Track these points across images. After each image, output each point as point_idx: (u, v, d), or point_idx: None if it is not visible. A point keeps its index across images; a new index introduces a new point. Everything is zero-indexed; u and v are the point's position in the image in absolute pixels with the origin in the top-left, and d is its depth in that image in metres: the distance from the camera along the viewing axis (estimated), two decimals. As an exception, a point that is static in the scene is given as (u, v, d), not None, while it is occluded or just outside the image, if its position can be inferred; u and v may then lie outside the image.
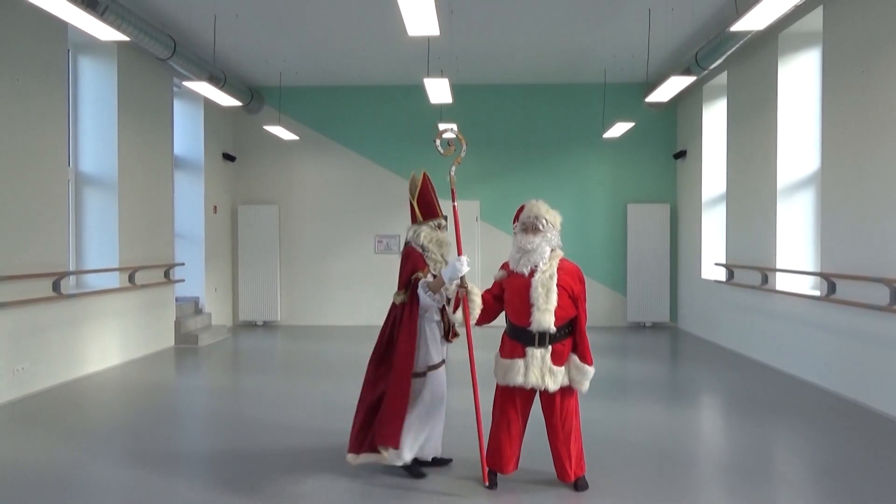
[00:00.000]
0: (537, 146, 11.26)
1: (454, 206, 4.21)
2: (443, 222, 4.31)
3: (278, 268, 11.45)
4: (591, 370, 3.88)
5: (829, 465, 4.46)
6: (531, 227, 3.95)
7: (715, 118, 10.00)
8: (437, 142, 4.17)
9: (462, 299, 3.93)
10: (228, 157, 11.17)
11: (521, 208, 4.10)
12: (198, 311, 10.21)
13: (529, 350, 3.81)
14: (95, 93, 7.98)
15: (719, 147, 9.76)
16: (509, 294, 3.95)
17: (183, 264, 9.66)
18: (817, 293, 6.91)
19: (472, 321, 3.94)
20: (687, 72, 7.98)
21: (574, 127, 11.27)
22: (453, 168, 4.23)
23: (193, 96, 10.08)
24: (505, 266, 4.07)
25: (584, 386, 3.88)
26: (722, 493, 3.95)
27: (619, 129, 9.84)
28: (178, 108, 10.04)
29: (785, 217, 7.71)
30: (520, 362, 3.83)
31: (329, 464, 4.39)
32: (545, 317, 3.76)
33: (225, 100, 8.47)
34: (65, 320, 6.99)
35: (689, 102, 10.71)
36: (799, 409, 5.95)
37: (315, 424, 5.37)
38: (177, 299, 9.58)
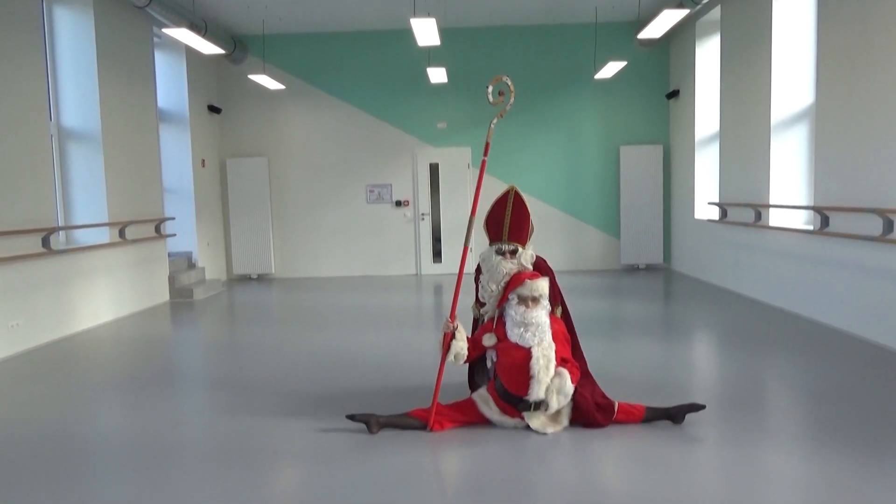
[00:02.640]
0: (528, 89, 11.02)
1: (483, 160, 4.04)
2: (504, 247, 4.05)
3: (270, 220, 11.38)
4: (569, 383, 3.80)
5: (823, 393, 4.52)
6: (532, 301, 3.81)
7: (708, 55, 9.82)
8: (490, 88, 3.96)
9: (446, 337, 3.90)
10: (214, 110, 10.95)
11: (516, 279, 3.92)
12: (191, 265, 10.16)
13: (526, 415, 3.84)
14: (73, 45, 7.72)
15: (713, 85, 9.61)
16: (505, 362, 3.84)
17: (173, 218, 9.57)
18: (810, 227, 6.91)
19: (459, 361, 3.93)
20: (680, 6, 7.79)
21: (565, 69, 11.06)
22: (495, 120, 4.07)
23: (175, 47, 9.82)
24: (492, 330, 3.94)
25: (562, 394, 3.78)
26: (716, 421, 4.01)
27: (610, 70, 9.68)
28: (160, 59, 9.78)
29: (778, 153, 7.64)
30: (510, 421, 3.88)
31: (330, 412, 4.40)
32: (543, 388, 3.73)
33: (207, 48, 8.23)
34: (56, 276, 6.95)
35: (681, 40, 10.51)
36: (792, 342, 6.02)
37: (314, 374, 5.39)
38: (169, 254, 9.53)
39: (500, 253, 4.05)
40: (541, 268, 4.18)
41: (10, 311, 6.21)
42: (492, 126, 4.08)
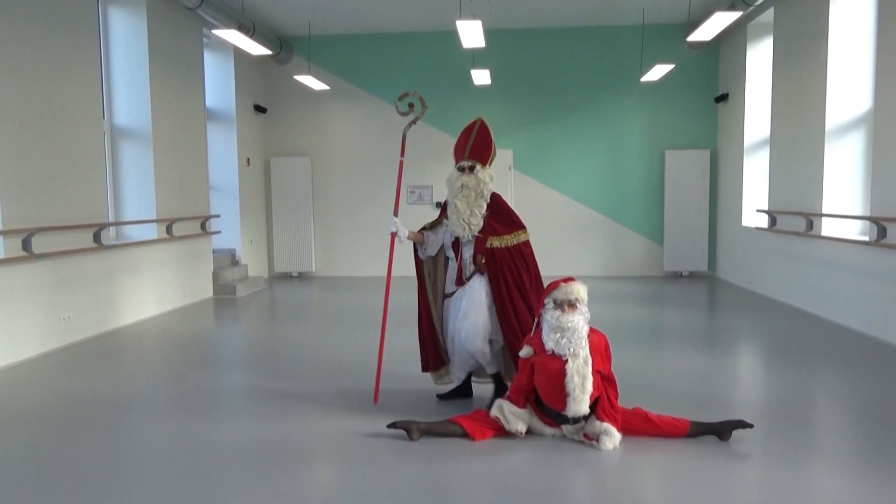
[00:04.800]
0: (572, 92, 10.94)
1: (401, 161, 4.52)
2: (465, 164, 4.33)
3: (312, 219, 11.50)
4: (616, 433, 3.74)
5: (877, 412, 4.34)
6: (568, 305, 3.76)
7: (760, 58, 9.56)
8: (398, 104, 4.44)
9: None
10: (260, 109, 11.13)
11: (552, 284, 3.86)
12: (234, 262, 10.34)
13: (565, 427, 3.84)
14: (126, 45, 7.93)
15: (764, 89, 9.35)
16: (542, 377, 3.81)
17: (218, 216, 9.75)
18: (866, 238, 6.66)
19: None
20: (732, 7, 7.60)
21: (611, 71, 10.90)
22: (409, 128, 4.61)
23: (223, 47, 10.00)
24: (529, 342, 3.89)
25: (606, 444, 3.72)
26: (763, 438, 3.88)
27: (657, 73, 9.50)
28: (209, 59, 9.97)
29: (833, 160, 7.39)
30: (549, 430, 3.89)
31: (370, 415, 4.41)
32: (582, 406, 3.70)
33: (255, 48, 8.36)
34: (106, 271, 7.13)
35: (732, 42, 10.26)
36: (844, 357, 5.80)
37: (354, 375, 5.41)
38: (214, 251, 9.71)
39: (460, 169, 4.35)
40: (498, 201, 4.39)
41: (62, 304, 6.40)
42: (405, 133, 4.60)
